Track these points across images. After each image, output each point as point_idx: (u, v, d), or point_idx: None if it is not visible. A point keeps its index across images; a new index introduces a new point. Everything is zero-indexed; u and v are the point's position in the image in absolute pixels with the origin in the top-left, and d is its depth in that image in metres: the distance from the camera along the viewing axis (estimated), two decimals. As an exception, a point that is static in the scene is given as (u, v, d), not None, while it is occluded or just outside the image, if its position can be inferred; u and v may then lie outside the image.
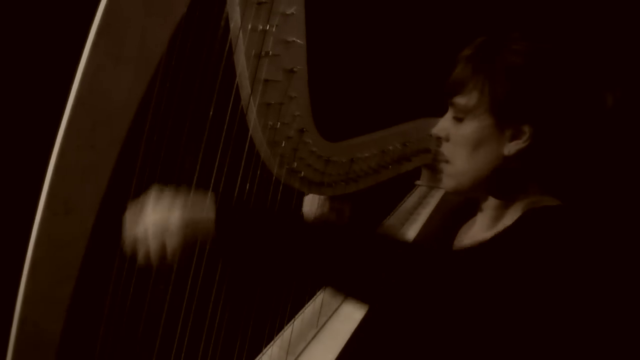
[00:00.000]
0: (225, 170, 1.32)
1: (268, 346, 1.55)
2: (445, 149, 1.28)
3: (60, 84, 1.20)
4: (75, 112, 1.16)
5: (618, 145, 1.82)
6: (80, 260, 1.21)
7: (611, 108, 1.22)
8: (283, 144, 1.42)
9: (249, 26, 1.31)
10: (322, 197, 1.60)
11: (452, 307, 1.14)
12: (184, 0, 1.20)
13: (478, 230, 1.32)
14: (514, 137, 1.21)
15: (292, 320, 1.56)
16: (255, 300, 1.48)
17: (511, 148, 1.21)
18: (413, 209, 1.76)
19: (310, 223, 1.20)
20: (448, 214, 1.57)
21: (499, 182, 1.25)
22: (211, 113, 1.28)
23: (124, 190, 1.24)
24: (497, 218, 1.28)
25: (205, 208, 1.14)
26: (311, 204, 1.61)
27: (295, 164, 1.46)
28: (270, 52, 1.35)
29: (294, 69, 1.39)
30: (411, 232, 1.62)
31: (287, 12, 1.35)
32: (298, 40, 1.37)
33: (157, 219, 1.15)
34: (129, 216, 1.17)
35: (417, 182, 1.85)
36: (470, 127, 1.24)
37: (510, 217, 1.26)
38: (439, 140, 1.30)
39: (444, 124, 1.28)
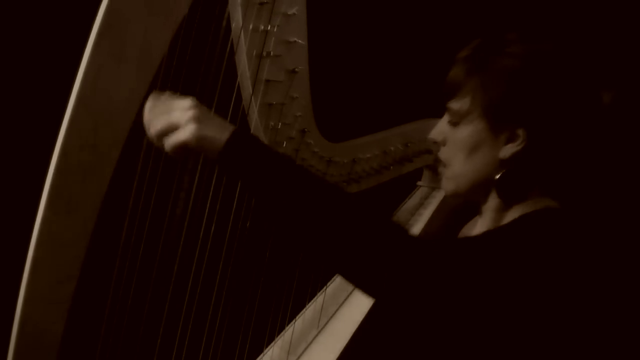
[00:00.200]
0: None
1: (269, 346, 1.55)
2: (443, 153, 1.29)
3: (61, 83, 1.20)
4: (76, 111, 1.16)
5: (617, 146, 1.83)
6: (82, 260, 1.21)
7: (608, 108, 1.21)
8: (284, 145, 1.42)
9: (251, 26, 1.31)
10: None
11: (444, 305, 1.13)
12: (185, 1, 1.20)
13: (479, 231, 1.32)
14: (509, 141, 1.21)
15: (293, 321, 1.56)
16: (256, 300, 1.48)
17: (506, 151, 1.21)
18: (415, 209, 1.76)
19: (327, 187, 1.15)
20: (449, 214, 1.57)
21: (497, 185, 1.25)
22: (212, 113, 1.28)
23: (125, 190, 1.24)
24: (496, 221, 1.28)
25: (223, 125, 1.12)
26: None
27: (297, 164, 1.46)
28: (272, 53, 1.35)
29: (296, 70, 1.39)
30: (413, 232, 1.61)
31: (289, 13, 1.34)
32: (299, 41, 1.37)
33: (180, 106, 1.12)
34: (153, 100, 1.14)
35: (419, 183, 1.85)
36: (465, 132, 1.24)
37: (510, 219, 1.26)
38: (436, 144, 1.30)
39: (441, 128, 1.29)
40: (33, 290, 1.18)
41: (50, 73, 1.75)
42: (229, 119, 1.31)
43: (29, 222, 1.18)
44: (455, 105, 1.25)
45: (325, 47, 1.50)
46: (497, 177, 1.23)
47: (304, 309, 1.60)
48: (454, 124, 1.26)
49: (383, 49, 1.96)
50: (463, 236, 1.40)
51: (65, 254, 1.19)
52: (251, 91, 1.35)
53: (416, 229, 1.62)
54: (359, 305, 1.51)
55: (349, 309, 1.54)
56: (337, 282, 1.61)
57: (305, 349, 1.51)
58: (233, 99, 1.32)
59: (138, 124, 1.20)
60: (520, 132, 1.20)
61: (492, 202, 1.27)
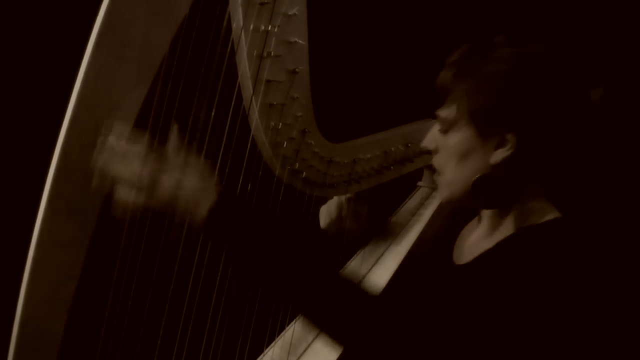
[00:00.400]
0: (227, 170, 1.32)
1: (269, 347, 1.54)
2: (436, 160, 1.30)
3: (62, 83, 1.20)
4: (77, 111, 1.17)
5: (610, 145, 1.83)
6: (82, 261, 1.21)
7: (596, 106, 1.21)
8: (285, 145, 1.42)
9: (251, 27, 1.31)
10: (337, 201, 1.59)
11: (447, 322, 1.17)
12: (186, 1, 1.20)
13: (478, 237, 1.32)
14: (498, 146, 1.21)
15: (294, 321, 1.56)
16: (256, 300, 1.48)
17: (497, 157, 1.22)
18: (415, 209, 1.76)
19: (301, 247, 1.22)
20: (450, 214, 1.57)
21: (491, 190, 1.25)
22: (213, 113, 1.28)
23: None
24: (494, 227, 1.28)
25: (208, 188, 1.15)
26: (328, 211, 1.60)
27: (298, 164, 1.46)
28: (273, 53, 1.35)
29: (296, 70, 1.39)
30: (413, 233, 1.61)
31: (289, 13, 1.34)
32: (300, 41, 1.37)
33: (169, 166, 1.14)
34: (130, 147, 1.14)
35: (419, 183, 1.85)
36: (454, 139, 1.25)
37: (508, 224, 1.26)
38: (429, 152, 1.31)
39: (432, 136, 1.30)
40: (33, 290, 1.18)
41: (51, 73, 1.75)
42: (229, 119, 1.31)
43: (29, 223, 1.18)
44: (444, 112, 1.25)
45: (326, 48, 1.50)
46: (472, 182, 1.24)
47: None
48: (444, 131, 1.26)
49: (384, 49, 1.96)
50: (463, 238, 1.39)
51: (65, 254, 1.19)
52: (252, 91, 1.35)
53: (416, 229, 1.62)
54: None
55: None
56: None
57: (306, 349, 1.51)
58: (233, 99, 1.32)
59: (139, 125, 1.20)
60: (509, 137, 1.20)
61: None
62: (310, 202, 1.52)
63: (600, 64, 1.23)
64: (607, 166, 1.94)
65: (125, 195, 1.14)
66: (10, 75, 1.85)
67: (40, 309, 1.19)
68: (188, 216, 1.16)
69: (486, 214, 1.30)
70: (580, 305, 1.16)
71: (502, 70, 1.19)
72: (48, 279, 1.19)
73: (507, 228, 1.26)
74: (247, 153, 1.37)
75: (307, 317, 1.21)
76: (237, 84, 1.34)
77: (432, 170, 1.35)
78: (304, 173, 1.48)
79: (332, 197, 1.59)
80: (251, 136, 1.38)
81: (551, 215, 1.24)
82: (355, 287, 1.22)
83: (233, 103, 1.31)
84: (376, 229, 1.63)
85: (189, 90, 1.26)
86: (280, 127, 1.41)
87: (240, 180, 1.36)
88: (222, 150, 1.31)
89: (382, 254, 1.59)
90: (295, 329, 1.54)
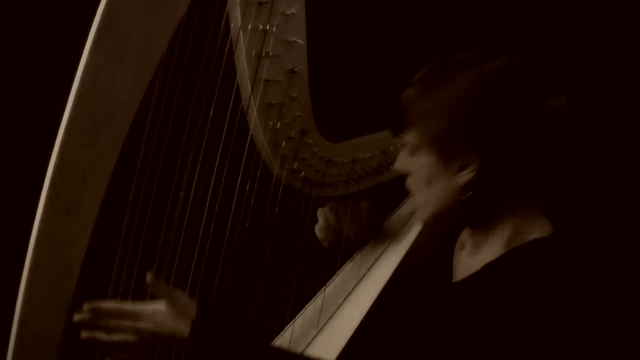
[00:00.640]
0: (226, 170, 1.32)
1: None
2: (408, 182, 1.30)
3: (61, 83, 1.21)
4: (76, 111, 1.17)
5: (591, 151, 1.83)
6: (82, 260, 1.21)
7: (558, 115, 1.20)
8: (284, 145, 1.42)
9: (250, 26, 1.31)
10: (331, 208, 1.59)
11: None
12: (184, 0, 1.20)
13: (468, 252, 1.33)
14: (462, 168, 1.21)
15: (293, 321, 1.56)
16: (255, 300, 1.48)
17: (462, 179, 1.21)
18: (415, 209, 1.76)
19: None
20: (450, 214, 1.56)
21: (466, 210, 1.25)
22: (211, 113, 1.28)
23: (125, 190, 1.24)
24: (479, 244, 1.29)
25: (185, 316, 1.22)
26: (324, 217, 1.60)
27: (296, 164, 1.46)
28: (271, 52, 1.35)
29: (295, 69, 1.39)
30: (412, 233, 1.61)
31: (288, 12, 1.34)
32: (299, 41, 1.37)
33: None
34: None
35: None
36: (419, 163, 1.25)
37: (495, 242, 1.26)
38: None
39: (401, 159, 1.30)
40: (33, 290, 1.18)
41: (50, 72, 1.75)
42: (227, 119, 1.31)
43: (28, 222, 1.18)
44: (407, 137, 1.26)
45: (324, 47, 1.50)
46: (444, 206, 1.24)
47: (304, 309, 1.60)
48: (411, 155, 1.26)
49: (383, 48, 1.96)
50: (463, 240, 1.39)
51: (64, 253, 1.19)
52: (250, 91, 1.35)
53: (416, 229, 1.62)
54: (359, 304, 1.50)
55: (349, 309, 1.54)
56: (337, 282, 1.61)
57: (305, 348, 1.51)
58: (232, 99, 1.32)
59: (137, 124, 1.20)
60: (471, 158, 1.20)
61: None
62: (310, 202, 1.52)
63: (560, 70, 1.22)
64: (592, 172, 1.95)
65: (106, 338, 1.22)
66: (9, 75, 1.86)
67: (40, 309, 1.19)
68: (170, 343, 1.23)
69: (468, 231, 1.31)
70: (567, 324, 1.17)
71: (456, 94, 1.19)
72: (47, 279, 1.19)
73: (493, 246, 1.26)
74: (245, 153, 1.37)
75: None
76: (236, 83, 1.34)
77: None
78: (303, 173, 1.48)
79: (331, 197, 1.59)
80: (249, 136, 1.38)
81: (537, 231, 1.23)
82: None
83: (231, 103, 1.31)
84: (374, 232, 1.63)
85: (187, 90, 1.26)
86: (279, 126, 1.40)
87: (239, 180, 1.36)
88: (220, 150, 1.31)
89: (378, 258, 1.59)
90: (294, 329, 1.54)
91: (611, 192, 1.98)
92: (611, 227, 1.97)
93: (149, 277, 1.21)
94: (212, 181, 1.33)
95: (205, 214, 1.33)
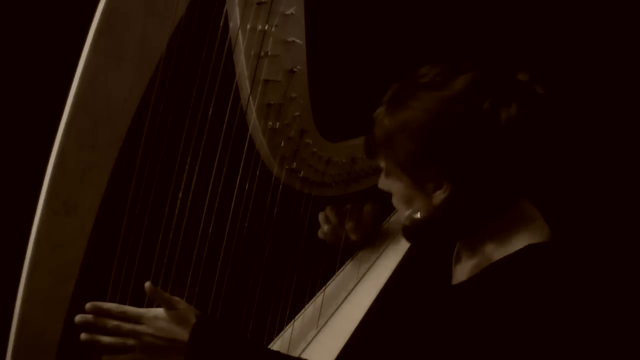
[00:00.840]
0: (225, 170, 1.32)
1: (268, 346, 1.54)
2: (393, 201, 1.31)
3: (60, 83, 1.21)
4: (75, 111, 1.17)
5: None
6: (81, 261, 1.21)
7: (510, 123, 1.17)
8: (283, 144, 1.42)
9: (248, 26, 1.31)
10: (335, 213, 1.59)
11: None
12: (183, 1, 1.20)
13: (465, 257, 1.33)
14: (436, 189, 1.22)
15: (292, 321, 1.56)
16: (255, 300, 1.48)
17: (437, 198, 1.22)
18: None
19: None
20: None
21: (451, 224, 1.27)
22: (210, 113, 1.28)
23: (124, 190, 1.24)
24: (472, 251, 1.29)
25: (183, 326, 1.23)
26: (325, 220, 1.60)
27: (296, 164, 1.46)
28: (270, 53, 1.35)
29: (294, 69, 1.39)
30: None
31: (287, 12, 1.34)
32: (298, 41, 1.37)
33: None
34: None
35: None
36: (395, 186, 1.27)
37: (484, 250, 1.26)
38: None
39: (382, 179, 1.31)
40: (32, 290, 1.19)
41: (49, 73, 1.75)
42: (227, 119, 1.31)
43: (27, 223, 1.18)
44: (380, 161, 1.27)
45: (323, 47, 1.50)
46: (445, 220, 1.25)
47: (304, 309, 1.60)
48: (385, 177, 1.28)
49: (382, 47, 1.96)
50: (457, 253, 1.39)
51: (63, 254, 1.20)
52: (249, 91, 1.35)
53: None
54: (359, 304, 1.50)
55: (348, 308, 1.54)
56: (337, 282, 1.61)
57: (305, 348, 1.51)
58: (231, 99, 1.32)
59: (136, 124, 1.20)
60: (442, 179, 1.20)
61: None
62: (309, 202, 1.52)
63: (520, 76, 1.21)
64: (584, 174, 1.95)
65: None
66: (8, 75, 1.85)
67: (39, 309, 1.19)
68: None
69: (461, 240, 1.33)
70: (563, 327, 1.17)
71: (417, 118, 1.19)
72: (46, 279, 1.19)
73: (485, 253, 1.26)
74: (244, 153, 1.37)
75: None
76: (235, 83, 1.34)
77: None
78: (302, 172, 1.48)
79: (330, 197, 1.59)
80: (249, 136, 1.38)
81: (531, 236, 1.23)
82: None
83: (230, 103, 1.31)
84: (375, 232, 1.63)
85: (186, 90, 1.26)
86: (278, 126, 1.40)
87: (238, 180, 1.36)
88: (219, 150, 1.31)
89: (378, 258, 1.59)
90: (294, 329, 1.54)
91: (605, 195, 1.98)
92: (606, 230, 1.97)
93: (147, 286, 1.22)
94: (211, 181, 1.33)
95: (204, 214, 1.33)
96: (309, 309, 1.59)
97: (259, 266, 1.49)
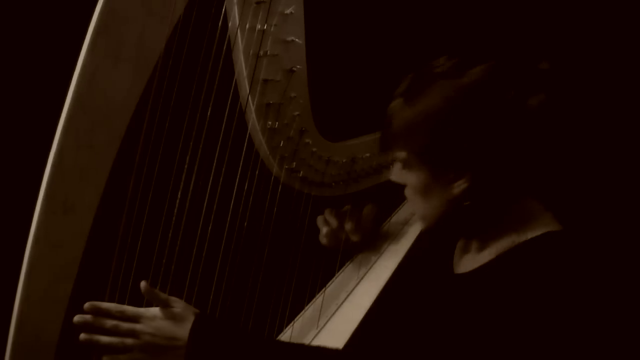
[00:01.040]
0: (224, 170, 1.32)
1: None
2: (406, 193, 1.30)
3: (58, 83, 1.21)
4: (73, 111, 1.17)
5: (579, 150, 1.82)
6: (79, 260, 1.21)
7: (539, 112, 1.18)
8: (282, 144, 1.42)
9: (247, 25, 1.31)
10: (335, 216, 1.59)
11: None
12: (182, 0, 1.20)
13: (471, 252, 1.32)
14: (455, 179, 1.20)
15: (292, 322, 1.55)
16: (255, 301, 1.48)
17: (457, 189, 1.21)
18: (410, 215, 1.75)
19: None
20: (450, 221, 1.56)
21: (466, 217, 1.25)
22: (209, 113, 1.28)
23: (122, 190, 1.24)
24: (480, 245, 1.28)
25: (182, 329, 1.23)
26: (325, 223, 1.60)
27: (295, 164, 1.46)
28: (269, 52, 1.34)
29: (293, 69, 1.39)
30: (412, 233, 1.61)
31: (286, 12, 1.34)
32: (297, 40, 1.37)
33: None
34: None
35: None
36: (412, 178, 1.25)
37: (497, 240, 1.25)
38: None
39: (396, 171, 1.29)
40: (30, 290, 1.19)
41: (47, 73, 1.75)
42: (225, 118, 1.31)
43: (26, 222, 1.18)
44: (396, 153, 1.25)
45: (323, 46, 1.49)
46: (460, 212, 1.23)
47: (304, 309, 1.60)
48: (403, 169, 1.26)
49: (382, 47, 1.96)
50: (460, 248, 1.39)
51: (62, 253, 1.20)
52: (248, 91, 1.35)
53: (416, 229, 1.61)
54: (359, 304, 1.50)
55: (349, 308, 1.54)
56: (337, 282, 1.60)
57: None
58: (230, 98, 1.31)
59: (135, 124, 1.20)
60: (463, 169, 1.19)
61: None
62: (309, 202, 1.52)
63: (540, 68, 1.20)
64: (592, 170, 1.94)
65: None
66: (7, 75, 1.86)
67: (37, 309, 1.19)
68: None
69: (469, 234, 1.31)
70: (568, 321, 1.16)
71: (436, 108, 1.18)
72: (45, 279, 1.19)
73: (495, 247, 1.25)
74: (244, 153, 1.36)
75: None
76: (234, 83, 1.33)
77: None
78: (302, 172, 1.48)
79: (330, 197, 1.59)
80: (248, 135, 1.38)
81: (540, 230, 1.22)
82: None
83: (229, 102, 1.31)
84: (375, 232, 1.63)
85: (185, 90, 1.26)
86: (277, 126, 1.40)
87: (237, 180, 1.36)
88: (218, 150, 1.31)
89: (378, 258, 1.58)
90: (294, 329, 1.54)
91: (613, 190, 1.98)
92: (613, 224, 1.96)
93: (143, 286, 1.22)
94: (211, 181, 1.32)
95: (203, 213, 1.33)
96: (309, 309, 1.58)
97: (259, 266, 1.48)
